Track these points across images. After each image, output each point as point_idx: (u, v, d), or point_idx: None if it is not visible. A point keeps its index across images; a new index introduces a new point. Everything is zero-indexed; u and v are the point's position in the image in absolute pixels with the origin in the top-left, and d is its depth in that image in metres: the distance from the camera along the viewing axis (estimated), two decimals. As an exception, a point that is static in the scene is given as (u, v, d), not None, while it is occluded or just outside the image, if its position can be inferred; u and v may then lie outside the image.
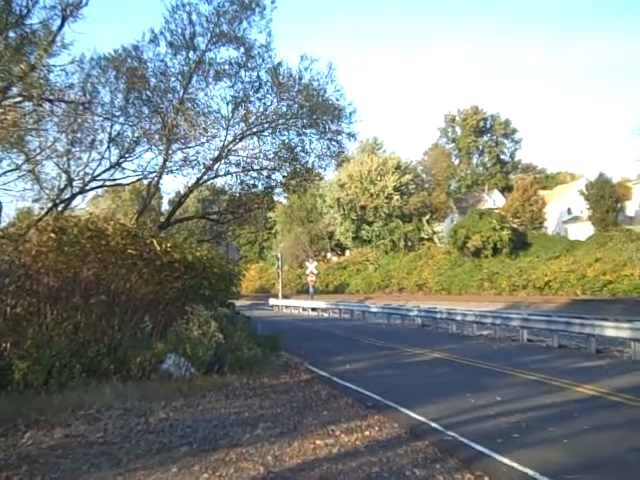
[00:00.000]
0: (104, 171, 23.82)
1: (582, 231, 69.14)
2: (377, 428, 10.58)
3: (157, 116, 23.09)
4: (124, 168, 24.31)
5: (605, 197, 63.97)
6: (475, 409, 11.86)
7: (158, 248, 16.40)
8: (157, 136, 23.36)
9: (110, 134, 23.33)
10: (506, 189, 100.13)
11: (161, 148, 23.47)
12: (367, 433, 10.21)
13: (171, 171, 24.64)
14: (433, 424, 10.68)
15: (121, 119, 23.25)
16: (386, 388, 14.19)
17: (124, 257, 16.12)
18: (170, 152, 23.50)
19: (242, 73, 23.72)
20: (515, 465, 8.22)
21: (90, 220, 16.88)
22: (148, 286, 16.53)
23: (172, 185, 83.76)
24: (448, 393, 13.54)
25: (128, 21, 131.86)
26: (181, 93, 22.93)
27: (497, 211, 72.78)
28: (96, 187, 25.69)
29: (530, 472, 7.92)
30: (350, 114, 25.35)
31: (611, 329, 20.31)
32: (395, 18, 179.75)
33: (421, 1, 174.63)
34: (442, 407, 12.03)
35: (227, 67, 23.38)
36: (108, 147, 23.46)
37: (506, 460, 8.43)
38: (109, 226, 16.50)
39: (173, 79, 23.13)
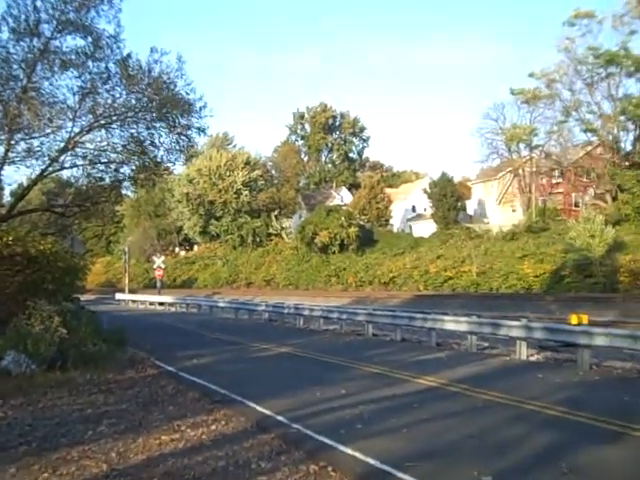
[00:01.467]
0: (-63, 161, 22.73)
1: (425, 228, 71.85)
2: (223, 422, 10.66)
3: (-2, 105, 22.22)
4: (-40, 158, 23.27)
5: (447, 196, 66.84)
6: (320, 402, 12.13)
7: (-2, 241, 15.84)
8: (-2, 126, 22.51)
9: (-56, 122, 22.27)
10: (354, 186, 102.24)
11: (2, 138, 22.62)
12: (213, 427, 10.27)
13: (13, 162, 23.82)
14: (279, 417, 10.86)
15: (-43, 106, 22.24)
16: (233, 382, 14.32)
17: (-40, 250, 15.48)
18: (12, 142, 22.72)
19: (90, 63, 23.15)
20: (357, 455, 8.51)
21: None
22: (-14, 280, 15.95)
23: (15, 176, 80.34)
24: (294, 387, 13.79)
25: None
26: (25, 81, 22.13)
27: (345, 208, 74.10)
28: None
29: (371, 461, 8.22)
30: (200, 109, 25.27)
31: (450, 323, 21.18)
32: (250, 15, 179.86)
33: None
34: (288, 401, 12.24)
35: (74, 57, 22.75)
36: (-58, 136, 22.40)
37: (349, 450, 8.72)
38: (-57, 218, 15.81)
39: (16, 66, 22.24)
